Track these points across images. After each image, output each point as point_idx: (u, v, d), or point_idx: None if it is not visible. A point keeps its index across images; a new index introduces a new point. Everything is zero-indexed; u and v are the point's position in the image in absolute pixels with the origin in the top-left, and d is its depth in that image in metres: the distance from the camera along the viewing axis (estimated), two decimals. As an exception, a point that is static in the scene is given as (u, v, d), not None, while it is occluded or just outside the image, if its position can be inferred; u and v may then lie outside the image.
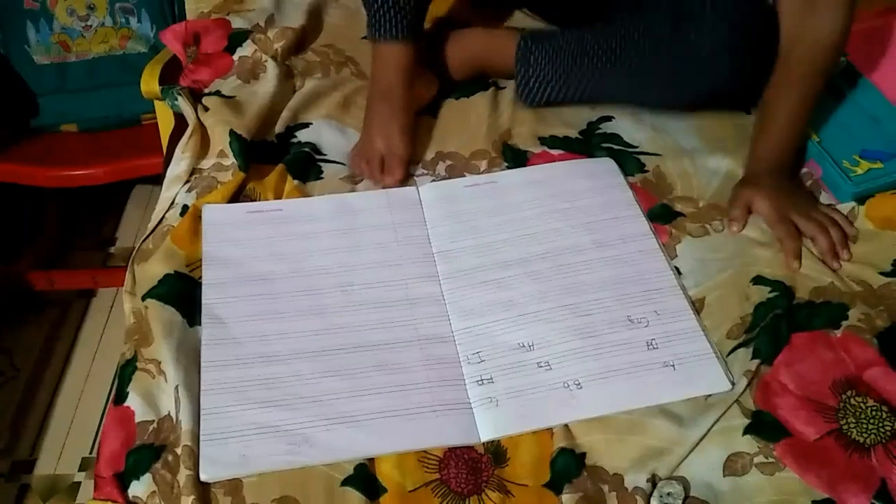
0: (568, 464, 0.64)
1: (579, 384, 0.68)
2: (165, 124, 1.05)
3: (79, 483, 1.21)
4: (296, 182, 0.87)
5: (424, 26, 0.94)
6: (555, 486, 0.63)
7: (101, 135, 1.35)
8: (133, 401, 0.67)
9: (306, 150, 0.91)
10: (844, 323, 0.71)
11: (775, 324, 0.71)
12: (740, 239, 0.81)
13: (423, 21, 0.92)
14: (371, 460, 0.64)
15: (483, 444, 0.65)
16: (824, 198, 0.85)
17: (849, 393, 0.66)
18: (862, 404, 0.65)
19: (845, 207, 0.83)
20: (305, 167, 0.89)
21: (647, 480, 0.62)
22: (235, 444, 0.63)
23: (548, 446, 0.65)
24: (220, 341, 0.71)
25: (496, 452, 0.65)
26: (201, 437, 0.64)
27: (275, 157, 0.90)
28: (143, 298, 0.74)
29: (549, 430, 0.66)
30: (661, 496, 0.61)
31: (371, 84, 0.93)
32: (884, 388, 0.66)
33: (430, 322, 0.73)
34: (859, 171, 0.84)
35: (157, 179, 0.93)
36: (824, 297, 0.74)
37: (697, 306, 0.75)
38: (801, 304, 0.73)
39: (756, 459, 0.63)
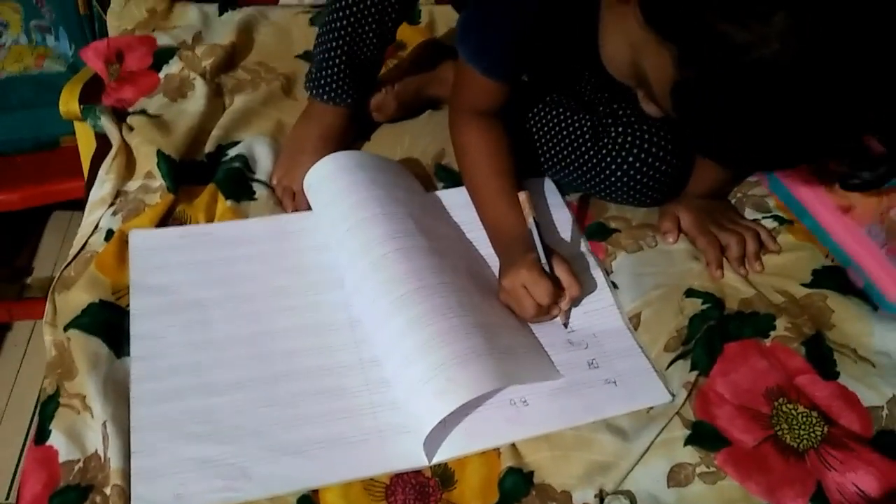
0: (516, 483, 0.63)
1: (525, 401, 0.68)
2: (86, 146, 1.01)
3: (-7, 530, 1.13)
4: (229, 203, 0.84)
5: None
6: (504, 506, 0.62)
7: (15, 158, 1.29)
8: (56, 439, 0.63)
9: (237, 165, 0.88)
10: (773, 333, 0.73)
11: (709, 335, 0.73)
12: (671, 253, 0.83)
13: (369, 90, 0.92)
14: (315, 491, 0.62)
15: (430, 467, 0.64)
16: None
17: (780, 400, 0.68)
18: (793, 411, 0.67)
19: (769, 223, 0.86)
20: (237, 187, 0.86)
21: (595, 496, 0.62)
22: (169, 482, 0.60)
23: (495, 466, 0.64)
24: (151, 373, 0.67)
25: (443, 475, 0.64)
26: (132, 476, 0.60)
27: (205, 178, 0.87)
28: (66, 329, 0.70)
29: (497, 450, 0.65)
30: (608, 511, 0.61)
31: (298, 126, 0.91)
32: (812, 394, 0.69)
33: (372, 344, 0.72)
34: None
35: (77, 205, 0.88)
36: (752, 308, 0.76)
37: (635, 321, 0.76)
38: (732, 315, 0.75)
39: (698, 469, 0.64)
